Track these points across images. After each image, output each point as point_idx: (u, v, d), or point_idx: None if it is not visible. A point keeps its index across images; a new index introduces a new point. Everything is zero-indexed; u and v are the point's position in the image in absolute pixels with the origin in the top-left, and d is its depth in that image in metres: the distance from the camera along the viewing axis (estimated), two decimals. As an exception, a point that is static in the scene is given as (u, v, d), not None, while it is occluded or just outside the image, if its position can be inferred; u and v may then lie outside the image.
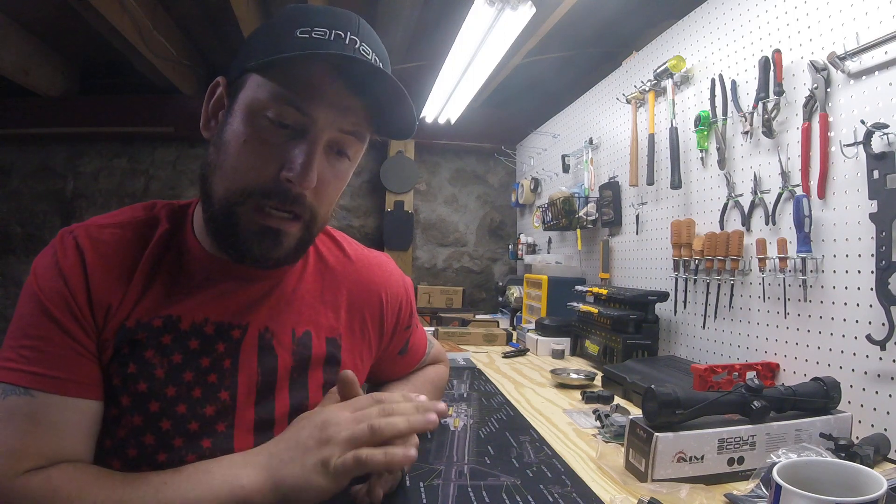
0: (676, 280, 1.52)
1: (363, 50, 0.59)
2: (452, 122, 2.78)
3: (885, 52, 0.94)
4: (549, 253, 2.70)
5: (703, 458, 0.75)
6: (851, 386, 0.98)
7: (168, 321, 0.62)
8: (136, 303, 0.62)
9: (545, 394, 1.28)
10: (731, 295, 1.33)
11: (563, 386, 1.36)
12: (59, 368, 0.56)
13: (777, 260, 1.16)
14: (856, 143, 0.96)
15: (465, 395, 1.22)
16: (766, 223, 1.21)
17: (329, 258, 0.77)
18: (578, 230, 2.18)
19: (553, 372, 1.41)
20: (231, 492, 0.54)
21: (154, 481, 0.54)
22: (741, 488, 0.72)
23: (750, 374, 1.03)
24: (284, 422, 0.66)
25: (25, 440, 0.54)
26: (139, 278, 0.62)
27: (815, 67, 1.07)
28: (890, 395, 0.92)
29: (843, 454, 0.74)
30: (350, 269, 0.78)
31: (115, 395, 0.59)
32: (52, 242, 0.62)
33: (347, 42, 0.58)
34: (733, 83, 1.33)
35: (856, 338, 0.99)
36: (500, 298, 2.81)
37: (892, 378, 0.91)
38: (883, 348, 0.91)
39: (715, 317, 1.38)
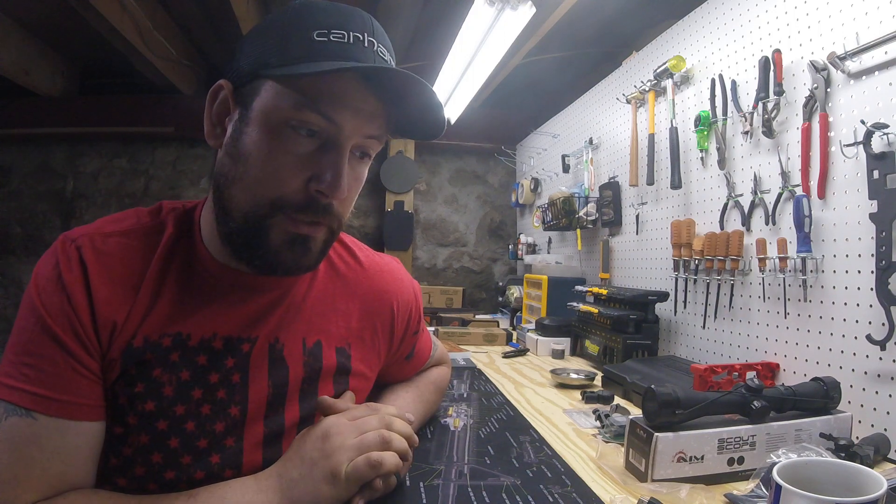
0: (676, 280, 1.52)
1: (380, 52, 0.58)
2: (452, 122, 2.77)
3: (885, 52, 0.94)
4: (549, 253, 2.70)
5: (703, 458, 0.75)
6: (851, 386, 0.98)
7: (177, 339, 0.60)
8: (144, 318, 0.59)
9: (545, 394, 1.28)
10: (731, 295, 1.33)
11: (563, 386, 1.36)
12: (61, 390, 0.54)
13: (777, 260, 1.16)
14: (856, 143, 0.96)
15: (465, 395, 1.22)
16: (766, 223, 1.21)
17: (340, 265, 0.76)
18: (578, 230, 2.18)
19: (553, 372, 1.41)
20: None
21: None
22: (741, 488, 0.72)
23: (750, 374, 1.03)
24: (293, 432, 0.65)
25: (29, 467, 0.52)
26: (146, 291, 0.60)
27: (815, 67, 1.07)
28: (890, 395, 0.92)
29: (843, 454, 0.74)
30: (362, 276, 0.77)
31: (121, 414, 0.58)
32: (54, 249, 0.59)
33: (366, 45, 0.56)
34: (733, 83, 1.33)
35: (856, 338, 0.99)
36: (500, 298, 2.81)
37: (892, 378, 0.91)
38: (883, 348, 0.91)
39: (715, 317, 1.38)
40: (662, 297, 1.55)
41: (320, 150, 0.57)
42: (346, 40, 0.55)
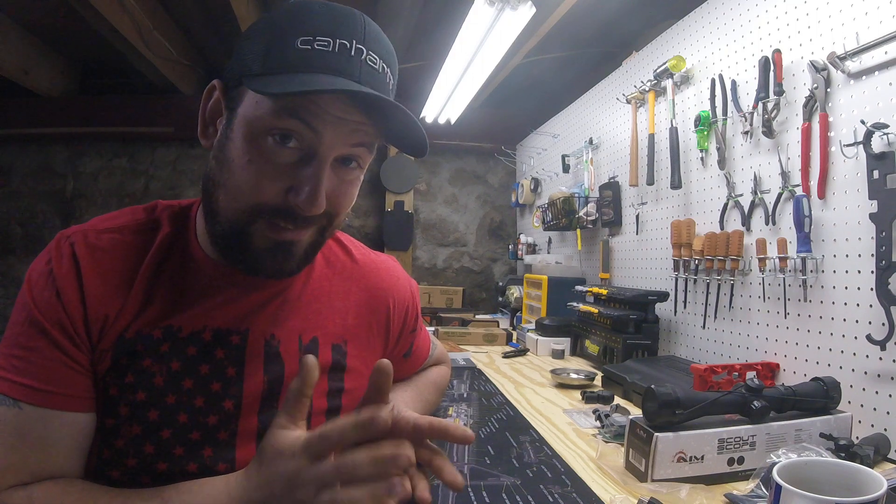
0: (676, 280, 1.52)
1: (369, 59, 0.57)
2: (452, 122, 2.78)
3: (885, 52, 0.94)
4: (549, 253, 2.70)
5: (703, 458, 0.75)
6: (851, 386, 0.98)
7: (168, 331, 0.61)
8: (137, 314, 0.60)
9: (545, 394, 1.28)
10: (731, 295, 1.33)
11: (563, 386, 1.36)
12: (49, 382, 0.55)
13: (777, 260, 1.16)
14: (856, 143, 0.96)
15: (465, 395, 1.22)
16: (766, 223, 1.21)
17: (336, 263, 0.76)
18: (578, 230, 2.18)
19: (553, 372, 1.41)
20: None
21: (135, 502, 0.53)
22: (741, 488, 0.72)
23: (750, 374, 1.03)
24: None
25: (10, 455, 0.53)
26: (139, 287, 0.61)
27: (815, 67, 1.07)
28: (890, 395, 0.92)
29: (843, 454, 0.74)
30: (357, 273, 0.77)
31: (113, 405, 0.58)
32: (49, 248, 0.60)
33: (353, 53, 0.55)
34: (733, 83, 1.33)
35: (856, 338, 0.99)
36: (500, 298, 2.81)
37: (892, 378, 0.91)
38: (883, 348, 0.91)
39: (715, 317, 1.38)
40: (662, 297, 1.55)
41: (300, 161, 0.56)
42: (330, 48, 0.54)
